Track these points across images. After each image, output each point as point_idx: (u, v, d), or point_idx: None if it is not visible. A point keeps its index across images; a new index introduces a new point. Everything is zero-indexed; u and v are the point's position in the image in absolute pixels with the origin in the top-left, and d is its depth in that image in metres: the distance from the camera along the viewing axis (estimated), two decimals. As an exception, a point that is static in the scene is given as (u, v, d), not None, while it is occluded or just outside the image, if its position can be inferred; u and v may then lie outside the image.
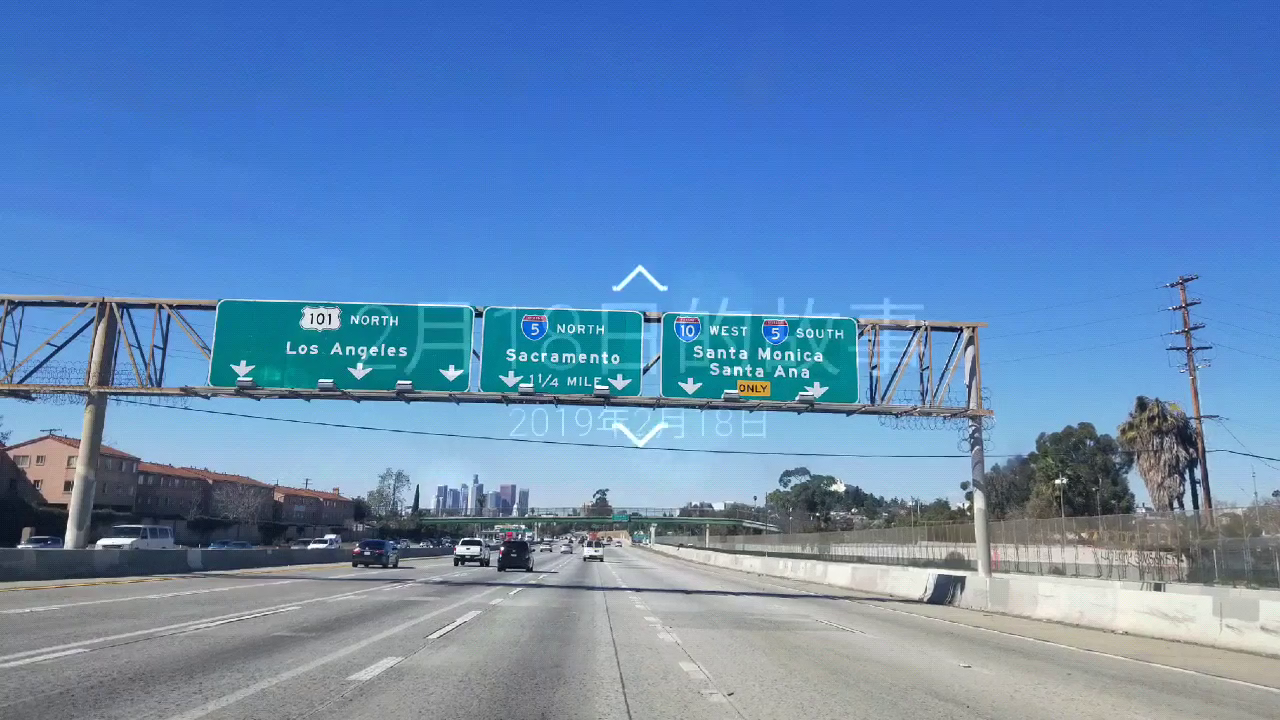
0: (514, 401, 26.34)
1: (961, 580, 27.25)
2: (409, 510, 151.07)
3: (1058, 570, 34.10)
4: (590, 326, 25.86)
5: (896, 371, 26.48)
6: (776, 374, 25.69)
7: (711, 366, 25.70)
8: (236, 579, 27.82)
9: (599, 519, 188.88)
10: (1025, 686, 10.23)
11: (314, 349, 25.64)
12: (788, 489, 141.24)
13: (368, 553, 45.76)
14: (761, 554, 72.53)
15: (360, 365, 25.48)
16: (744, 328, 25.98)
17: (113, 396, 26.91)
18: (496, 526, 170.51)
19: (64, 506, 42.39)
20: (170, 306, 26.67)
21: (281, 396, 26.43)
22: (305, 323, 25.85)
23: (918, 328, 26.58)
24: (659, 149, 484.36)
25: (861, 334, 26.31)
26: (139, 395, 26.76)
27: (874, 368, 26.43)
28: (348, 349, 25.64)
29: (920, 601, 27.79)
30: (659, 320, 26.09)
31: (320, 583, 27.73)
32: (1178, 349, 37.53)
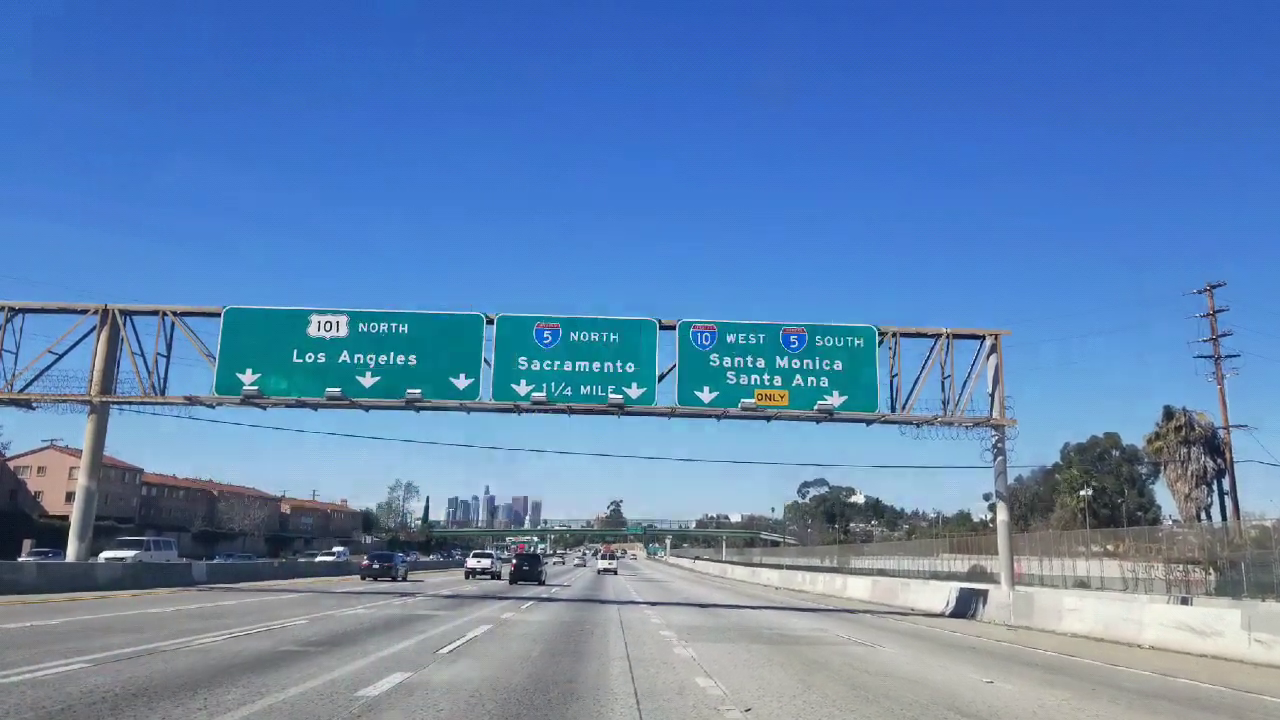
0: (526, 411, 26.16)
1: (984, 594, 26.82)
2: (418, 522, 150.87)
3: (1082, 583, 33.59)
4: (604, 334, 25.63)
5: (917, 380, 26.14)
6: (795, 383, 25.38)
7: (728, 375, 25.41)
8: (242, 592, 27.68)
9: (613, 531, 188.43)
10: (1049, 702, 9.99)
11: (321, 357, 25.50)
12: (806, 500, 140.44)
13: (376, 565, 45.54)
14: (779, 567, 72.04)
15: (369, 374, 25.34)
16: (761, 336, 25.70)
17: (115, 406, 26.79)
18: (508, 538, 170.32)
19: (65, 518, 42.52)
20: (174, 313, 26.58)
21: (288, 406, 26.31)
22: (312, 330, 25.73)
23: (939, 335, 26.25)
24: (672, 151, 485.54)
25: (881, 341, 25.98)
26: (142, 404, 26.67)
27: (894, 376, 26.11)
28: (356, 357, 25.49)
29: (942, 615, 27.38)
30: (674, 328, 25.86)
31: (328, 596, 27.59)
32: (1205, 357, 37.00)
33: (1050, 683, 11.81)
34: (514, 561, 46.90)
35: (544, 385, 25.31)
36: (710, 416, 26.42)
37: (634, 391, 25.31)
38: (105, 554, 35.70)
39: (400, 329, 25.73)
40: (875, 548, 73.99)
